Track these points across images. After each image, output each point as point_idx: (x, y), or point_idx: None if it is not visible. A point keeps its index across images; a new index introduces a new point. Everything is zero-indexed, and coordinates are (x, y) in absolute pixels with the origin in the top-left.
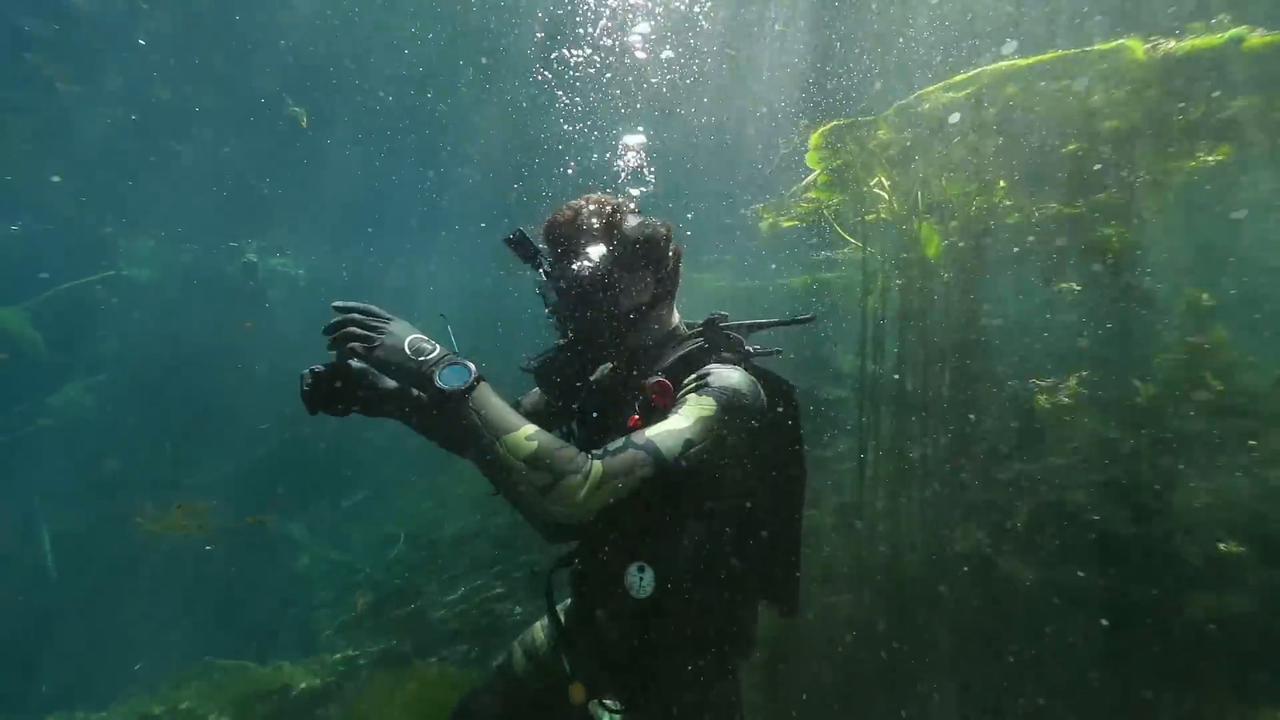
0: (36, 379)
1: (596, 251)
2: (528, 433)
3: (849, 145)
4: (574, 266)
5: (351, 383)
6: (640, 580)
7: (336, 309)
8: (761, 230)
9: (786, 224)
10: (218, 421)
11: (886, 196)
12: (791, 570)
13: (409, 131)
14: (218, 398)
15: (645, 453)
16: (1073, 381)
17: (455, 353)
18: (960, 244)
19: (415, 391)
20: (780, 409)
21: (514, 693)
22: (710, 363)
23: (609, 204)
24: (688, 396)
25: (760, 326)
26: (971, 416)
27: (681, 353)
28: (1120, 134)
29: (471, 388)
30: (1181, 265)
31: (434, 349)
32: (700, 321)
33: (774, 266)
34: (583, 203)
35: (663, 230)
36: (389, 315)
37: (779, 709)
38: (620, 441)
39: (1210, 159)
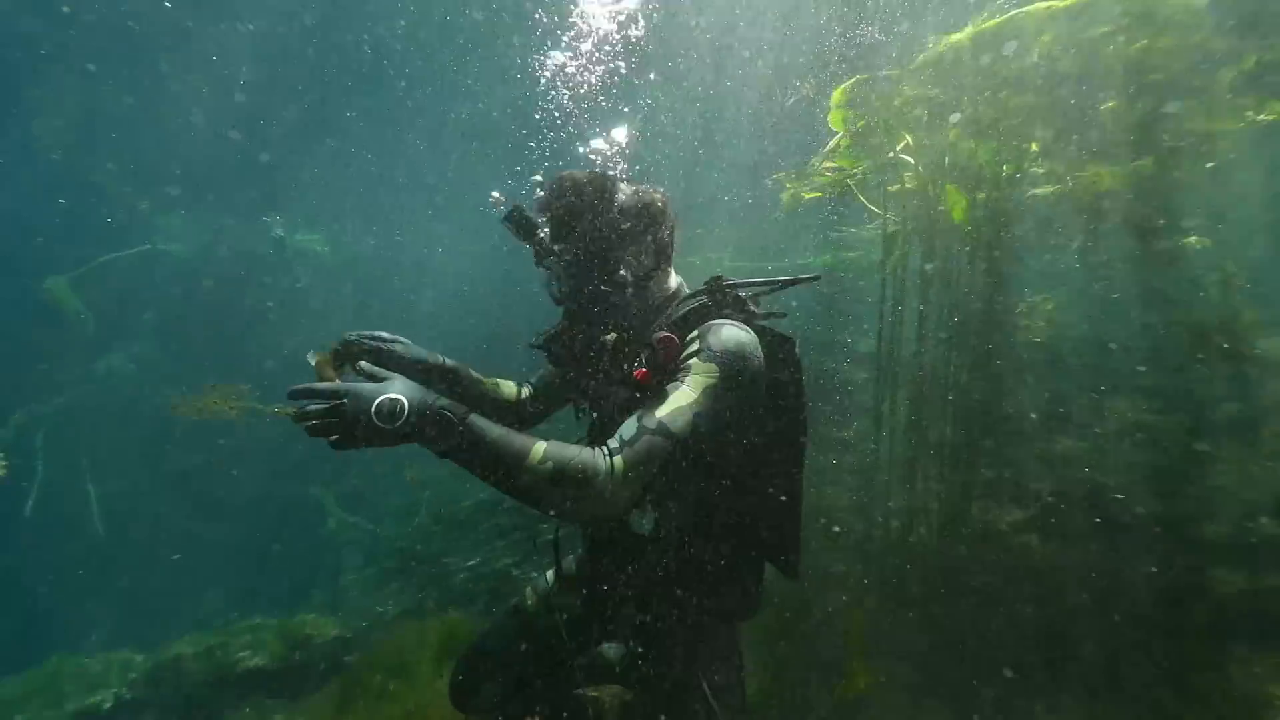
0: (82, 347)
1: (592, 225)
2: (538, 455)
3: (873, 103)
4: (571, 242)
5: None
6: (641, 520)
7: (290, 398)
8: (783, 202)
9: (809, 196)
10: (253, 393)
11: (912, 161)
12: (792, 527)
13: (428, 107)
14: (250, 370)
15: (660, 437)
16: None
17: (427, 397)
18: (988, 214)
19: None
20: (781, 367)
21: (525, 629)
22: (713, 318)
23: (602, 176)
24: (691, 361)
25: (762, 284)
26: (987, 394)
27: (686, 309)
28: (1163, 88)
29: (461, 435)
30: (1227, 238)
31: (405, 409)
32: (704, 283)
33: (783, 247)
34: (576, 176)
35: (657, 198)
36: (342, 391)
37: (783, 663)
38: (633, 428)
39: (1262, 118)
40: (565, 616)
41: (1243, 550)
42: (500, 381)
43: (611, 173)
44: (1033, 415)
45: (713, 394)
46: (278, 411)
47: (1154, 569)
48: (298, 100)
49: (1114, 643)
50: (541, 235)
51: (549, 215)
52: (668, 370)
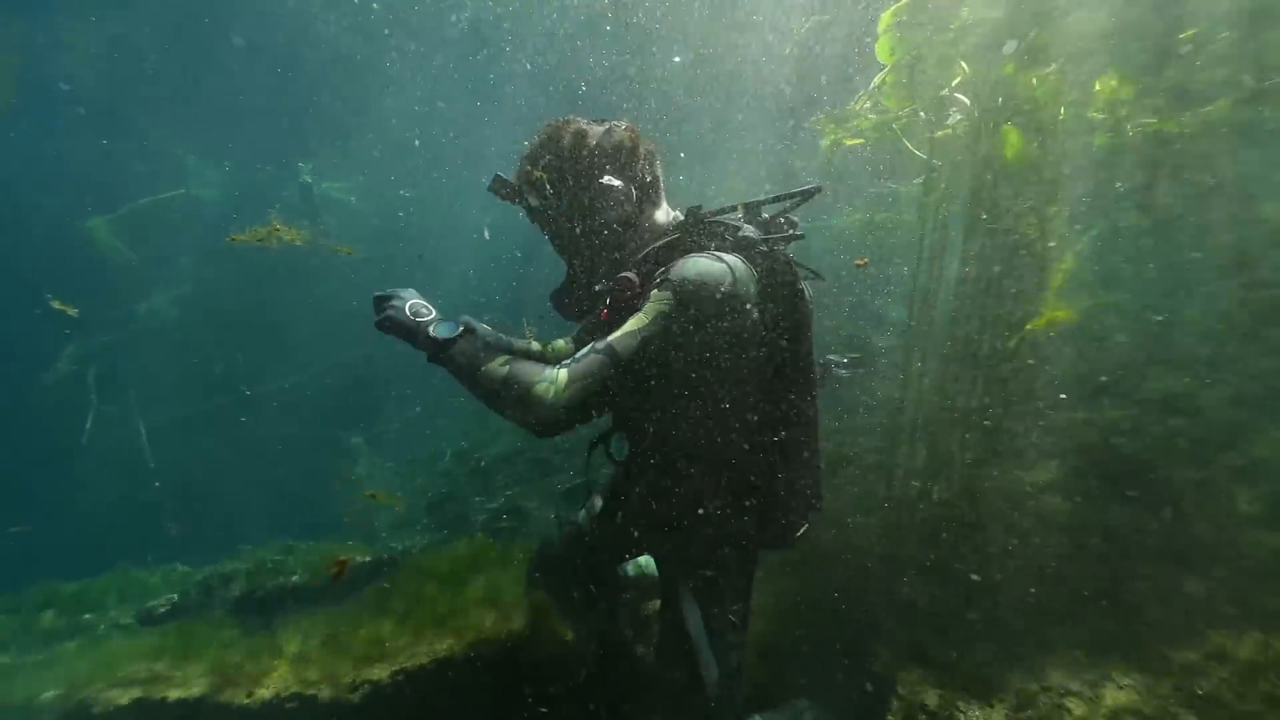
0: (127, 287)
1: (564, 177)
2: (500, 360)
3: (926, 27)
4: (549, 198)
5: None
6: (619, 446)
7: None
8: (823, 150)
9: (850, 143)
10: (284, 336)
11: (968, 102)
12: (801, 462)
13: (464, 60)
14: (283, 314)
15: (605, 355)
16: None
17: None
18: (1042, 161)
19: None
20: (780, 295)
21: (576, 541)
22: (689, 253)
23: (568, 125)
24: (652, 293)
25: (740, 209)
26: (1022, 356)
27: (652, 247)
28: (1255, 13)
29: (459, 337)
30: None
31: (430, 312)
32: (684, 214)
33: (817, 206)
34: (544, 132)
35: (626, 134)
36: (398, 291)
37: (798, 599)
38: (586, 349)
39: None
40: (602, 534)
41: (1272, 518)
42: (554, 344)
43: (577, 119)
44: (1068, 380)
45: (663, 319)
46: (340, 249)
47: (1181, 529)
48: (331, 47)
49: (1134, 593)
50: (527, 196)
51: (524, 177)
52: (631, 309)
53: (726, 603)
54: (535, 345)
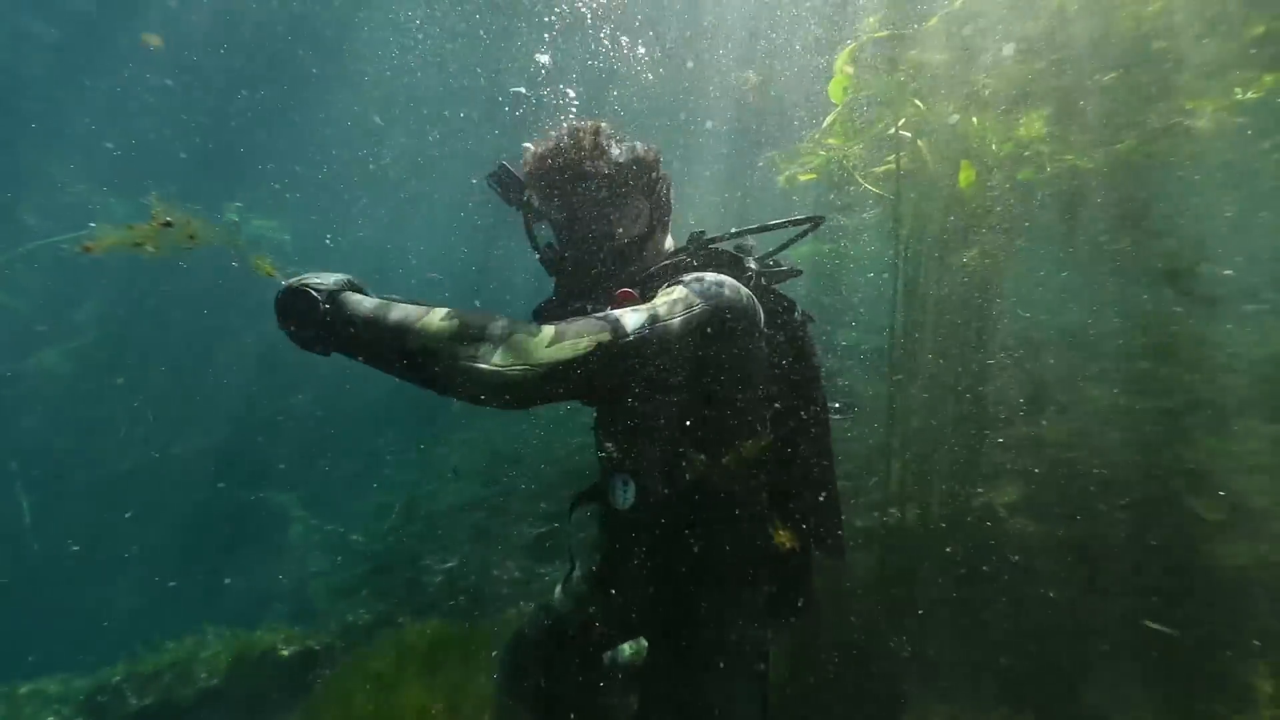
0: (11, 342)
1: (585, 183)
2: (439, 314)
3: (878, 70)
4: (562, 203)
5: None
6: (624, 492)
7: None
8: (780, 186)
9: (805, 178)
10: (205, 389)
11: (919, 142)
12: (820, 507)
13: (397, 94)
14: (204, 365)
15: (604, 321)
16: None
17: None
18: (983, 195)
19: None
20: (782, 328)
21: (556, 627)
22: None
23: (592, 130)
24: (660, 289)
25: (753, 232)
26: (973, 379)
27: (656, 266)
28: (1164, 59)
29: (329, 312)
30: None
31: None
32: (686, 241)
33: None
34: (564, 133)
35: (650, 153)
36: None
37: (797, 659)
38: (579, 316)
39: (1246, 95)
40: (588, 612)
41: (1233, 525)
42: None
43: (601, 127)
44: (1020, 400)
45: (673, 305)
46: (260, 262)
47: (1152, 544)
48: (256, 76)
49: (1132, 631)
50: (529, 197)
51: (538, 174)
52: None
53: (754, 696)
54: None
